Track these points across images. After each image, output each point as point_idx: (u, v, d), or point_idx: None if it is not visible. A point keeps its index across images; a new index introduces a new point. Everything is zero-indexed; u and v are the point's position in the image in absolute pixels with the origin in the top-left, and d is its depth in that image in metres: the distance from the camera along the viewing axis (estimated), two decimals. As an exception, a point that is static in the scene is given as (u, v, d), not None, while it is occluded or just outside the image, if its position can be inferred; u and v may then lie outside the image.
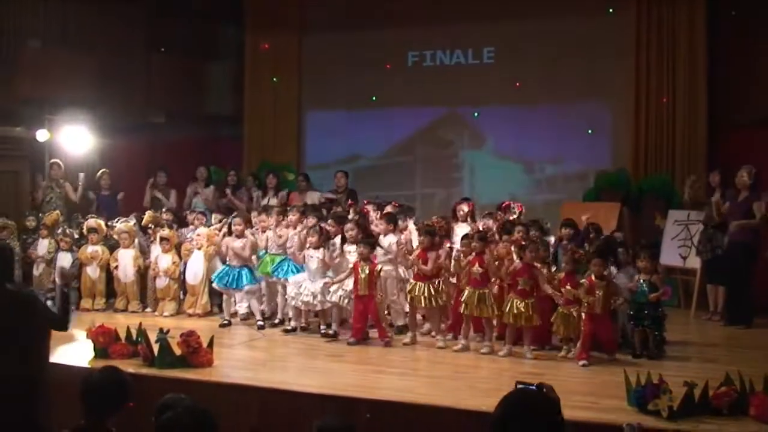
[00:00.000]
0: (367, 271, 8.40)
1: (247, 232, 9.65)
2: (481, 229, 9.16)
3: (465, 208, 10.01)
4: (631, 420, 5.52)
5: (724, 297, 9.99)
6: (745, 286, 9.63)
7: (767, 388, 5.89)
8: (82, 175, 11.99)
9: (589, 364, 7.56)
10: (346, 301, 8.70)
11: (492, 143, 13.62)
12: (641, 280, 7.95)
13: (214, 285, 9.68)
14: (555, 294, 7.93)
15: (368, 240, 8.61)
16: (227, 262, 9.57)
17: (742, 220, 9.57)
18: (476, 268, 8.09)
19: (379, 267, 8.54)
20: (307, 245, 8.91)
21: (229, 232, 9.63)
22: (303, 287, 8.86)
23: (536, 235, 8.78)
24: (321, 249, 8.84)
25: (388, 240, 9.01)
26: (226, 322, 9.43)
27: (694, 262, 10.35)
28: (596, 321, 7.74)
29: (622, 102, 12.66)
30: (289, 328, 9.10)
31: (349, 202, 10.77)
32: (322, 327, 8.93)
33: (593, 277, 7.80)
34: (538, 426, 2.89)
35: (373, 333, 8.60)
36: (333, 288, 8.70)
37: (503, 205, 10.36)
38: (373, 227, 9.32)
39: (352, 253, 8.75)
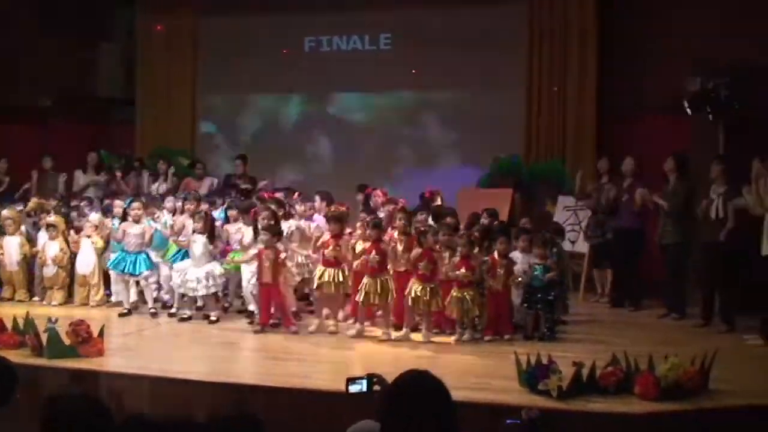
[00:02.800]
0: (271, 259, 8.31)
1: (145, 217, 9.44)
2: (381, 216, 9.14)
3: (378, 194, 10.08)
4: (522, 400, 5.65)
5: (612, 280, 10.31)
6: (633, 269, 9.95)
7: (651, 367, 6.10)
8: None
9: (493, 339, 7.84)
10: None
11: (388, 129, 13.68)
12: (535, 264, 8.15)
13: (110, 271, 9.43)
14: (453, 275, 8.00)
15: (273, 227, 8.52)
16: (123, 248, 9.32)
17: (630, 207, 9.85)
18: (373, 255, 8.11)
19: (283, 255, 8.46)
20: (192, 230, 8.86)
21: (124, 218, 9.37)
22: (187, 273, 8.75)
23: (452, 222, 8.86)
24: (205, 235, 8.76)
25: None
26: (126, 311, 9.21)
27: (583, 247, 10.64)
28: (497, 299, 7.99)
29: (515, 90, 12.86)
30: (184, 316, 8.94)
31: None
32: (212, 314, 8.84)
33: (496, 256, 7.97)
34: (426, 407, 2.91)
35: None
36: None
37: (426, 193, 10.48)
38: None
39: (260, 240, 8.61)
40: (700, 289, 9.00)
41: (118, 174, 12.26)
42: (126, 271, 9.19)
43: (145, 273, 9.24)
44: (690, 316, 9.12)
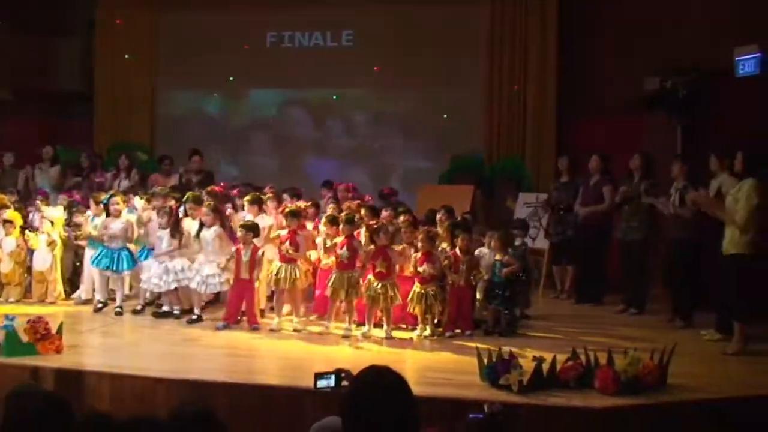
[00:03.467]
0: (249, 255, 8.28)
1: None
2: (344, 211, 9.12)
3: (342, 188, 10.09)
4: (483, 395, 5.68)
5: (573, 276, 10.39)
6: (597, 266, 10.03)
7: (611, 361, 6.17)
8: None
9: (454, 335, 7.89)
10: (204, 287, 8.58)
11: (351, 127, 13.65)
12: (495, 259, 8.20)
13: (93, 268, 9.30)
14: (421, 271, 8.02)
15: (250, 224, 8.47)
16: (105, 244, 9.17)
17: (592, 203, 9.93)
18: (344, 251, 8.09)
19: (261, 251, 8.43)
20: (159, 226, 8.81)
21: (107, 213, 9.26)
22: (151, 269, 8.70)
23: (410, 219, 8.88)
24: (169, 230, 8.72)
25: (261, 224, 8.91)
26: (100, 305, 9.11)
27: (542, 244, 10.72)
28: (459, 294, 8.04)
29: (476, 88, 12.96)
30: (160, 311, 8.86)
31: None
32: (175, 308, 8.79)
33: (458, 251, 8.03)
34: (388, 403, 2.91)
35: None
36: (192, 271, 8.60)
37: (384, 191, 10.48)
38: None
39: (206, 237, 8.59)
40: (669, 285, 9.06)
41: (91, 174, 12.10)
42: (108, 268, 9.07)
43: (127, 271, 9.17)
44: (648, 311, 9.22)
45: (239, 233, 8.42)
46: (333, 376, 3.77)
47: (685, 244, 8.66)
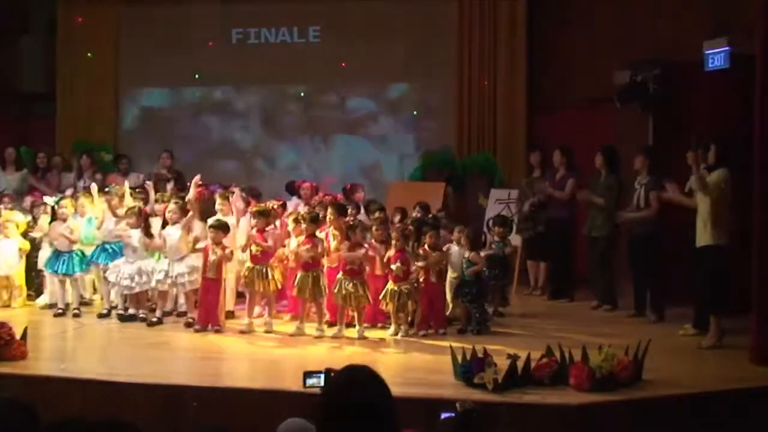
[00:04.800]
0: (218, 254, 8.20)
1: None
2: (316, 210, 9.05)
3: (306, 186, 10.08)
4: (458, 394, 5.68)
5: (546, 272, 10.45)
6: (566, 261, 10.12)
7: (585, 358, 6.19)
8: None
9: (427, 334, 7.89)
10: (174, 288, 8.53)
11: (319, 123, 13.63)
12: (463, 258, 8.21)
13: (44, 272, 9.19)
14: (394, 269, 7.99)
15: (218, 224, 8.39)
16: (56, 248, 9.05)
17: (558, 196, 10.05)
18: (307, 248, 8.02)
19: (229, 250, 8.34)
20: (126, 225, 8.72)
21: (54, 216, 9.13)
22: (121, 271, 8.59)
23: (382, 216, 8.89)
24: (139, 230, 8.63)
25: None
26: (60, 311, 8.96)
27: (515, 240, 10.74)
28: (431, 292, 8.05)
29: (446, 84, 12.99)
30: (126, 314, 8.70)
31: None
32: (141, 312, 8.68)
33: (427, 248, 8.05)
34: (366, 403, 2.88)
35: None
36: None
37: (347, 187, 10.45)
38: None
39: (171, 236, 8.51)
40: (632, 281, 9.16)
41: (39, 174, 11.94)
42: (59, 271, 8.96)
43: (79, 273, 9.05)
44: (621, 307, 9.29)
45: (209, 233, 8.34)
46: (322, 375, 3.72)
47: (645, 238, 8.81)
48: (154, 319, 8.54)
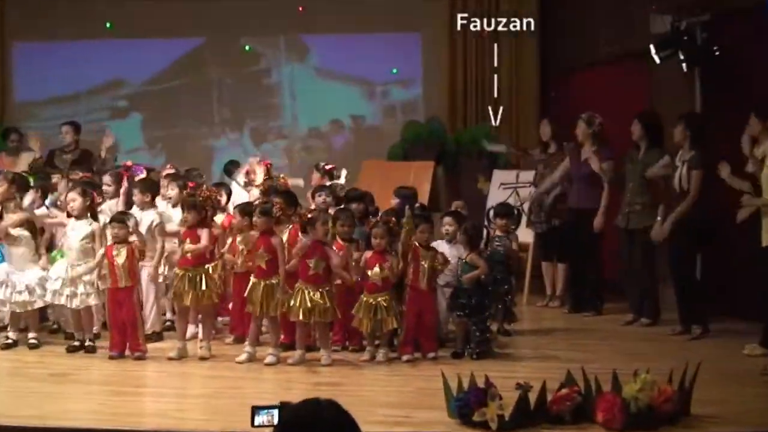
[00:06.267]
0: (124, 257, 8.09)
1: None
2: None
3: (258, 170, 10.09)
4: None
5: (565, 277, 10.43)
6: (592, 263, 10.07)
7: (616, 388, 6.15)
8: None
9: (414, 359, 7.91)
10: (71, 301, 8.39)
11: (269, 86, 13.61)
12: (459, 259, 8.18)
13: None
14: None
15: (120, 217, 8.29)
16: None
17: (584, 187, 9.95)
18: (261, 252, 7.96)
19: (141, 243, 8.25)
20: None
21: None
22: (12, 282, 8.48)
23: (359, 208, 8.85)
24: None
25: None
26: None
27: (525, 235, 10.67)
28: (420, 300, 8.02)
29: (434, 34, 12.97)
30: (9, 341, 8.60)
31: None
32: (30, 336, 8.58)
33: (418, 245, 8.04)
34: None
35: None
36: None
37: (326, 167, 10.44)
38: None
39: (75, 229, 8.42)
40: (674, 288, 9.12)
41: None
42: None
43: None
44: (664, 321, 9.28)
45: (110, 229, 8.23)
46: (276, 411, 3.65)
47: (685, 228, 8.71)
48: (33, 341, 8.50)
